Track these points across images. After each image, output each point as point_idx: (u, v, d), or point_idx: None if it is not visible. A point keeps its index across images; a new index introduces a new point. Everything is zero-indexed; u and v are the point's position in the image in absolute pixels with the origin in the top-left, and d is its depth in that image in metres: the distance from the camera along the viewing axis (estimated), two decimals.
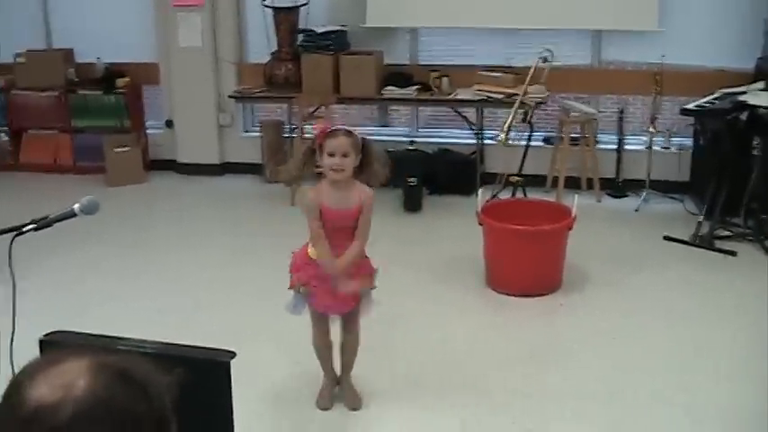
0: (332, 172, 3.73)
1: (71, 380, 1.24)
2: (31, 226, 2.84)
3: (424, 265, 5.96)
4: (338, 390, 4.19)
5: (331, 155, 3.69)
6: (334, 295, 3.88)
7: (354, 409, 4.12)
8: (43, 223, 2.84)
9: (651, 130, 7.26)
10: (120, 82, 8.47)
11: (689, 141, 7.46)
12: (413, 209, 7.25)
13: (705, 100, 6.53)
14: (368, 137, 3.91)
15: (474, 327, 5.04)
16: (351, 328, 4.08)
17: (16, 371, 1.32)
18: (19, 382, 1.27)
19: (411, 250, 6.23)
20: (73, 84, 8.60)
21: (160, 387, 1.32)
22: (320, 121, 3.91)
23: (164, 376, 1.35)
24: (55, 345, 2.47)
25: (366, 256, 3.99)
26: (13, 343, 2.91)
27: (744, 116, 6.31)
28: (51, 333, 2.64)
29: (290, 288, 3.95)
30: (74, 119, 8.63)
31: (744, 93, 6.43)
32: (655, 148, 7.39)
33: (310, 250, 3.90)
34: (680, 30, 7.31)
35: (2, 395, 1.28)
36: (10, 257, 2.84)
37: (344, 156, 3.69)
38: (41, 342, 2.56)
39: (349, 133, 3.74)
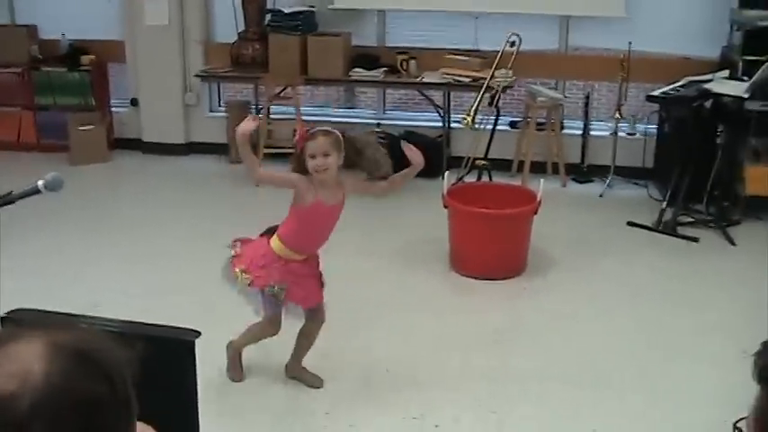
0: (317, 173, 3.79)
1: (26, 366, 1.15)
2: None
3: (390, 249, 5.97)
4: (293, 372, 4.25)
5: (312, 156, 3.76)
6: (306, 288, 3.98)
7: (318, 387, 4.17)
8: (6, 199, 2.80)
9: (617, 116, 7.30)
10: (85, 59, 8.36)
11: (654, 128, 7.51)
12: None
13: (670, 87, 6.57)
14: (348, 130, 3.97)
15: (439, 310, 5.06)
16: (319, 317, 4.12)
17: None
18: None
19: (376, 234, 6.23)
20: (36, 60, 8.47)
21: (121, 365, 1.25)
22: (299, 126, 3.94)
23: (123, 352, 1.27)
24: (17, 323, 2.45)
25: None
26: None
27: (708, 104, 6.38)
28: (13, 311, 2.62)
29: (260, 287, 3.94)
30: (37, 96, 8.52)
31: (709, 81, 6.48)
32: (620, 134, 7.44)
33: (274, 245, 3.93)
34: (647, 17, 7.36)
35: None
36: None
37: (326, 155, 3.76)
38: (2, 319, 2.54)
39: (327, 133, 3.80)
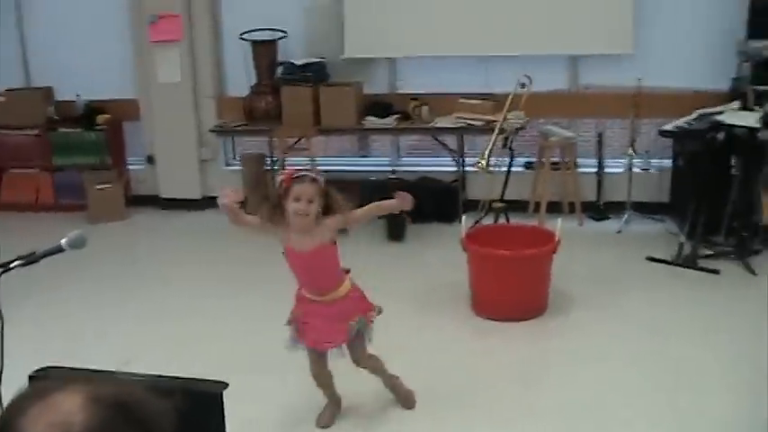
0: (297, 217, 3.79)
1: (68, 416, 1.17)
2: (17, 262, 2.83)
3: (410, 294, 5.97)
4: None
5: (297, 200, 3.77)
6: (321, 331, 3.99)
7: (409, 408, 4.30)
8: (30, 259, 2.83)
9: (630, 152, 7.32)
10: (101, 118, 8.47)
11: (668, 162, 7.52)
12: (396, 238, 7.26)
13: (683, 121, 6.59)
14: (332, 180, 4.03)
15: (461, 353, 5.04)
16: (362, 363, 4.16)
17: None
18: (12, 417, 1.19)
19: (396, 280, 6.22)
20: (53, 121, 8.60)
21: (160, 417, 1.27)
22: (286, 171, 3.96)
23: (162, 403, 1.29)
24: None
25: (365, 296, 4.11)
26: (2, 380, 2.90)
27: (721, 136, 6.37)
28: (42, 369, 2.64)
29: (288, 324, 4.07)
30: (55, 156, 8.63)
31: (720, 113, 6.50)
32: (634, 170, 7.44)
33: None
34: (655, 53, 7.40)
35: None
36: None
37: (310, 202, 3.78)
38: (31, 378, 2.55)
39: (314, 180, 3.82)
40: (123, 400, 1.24)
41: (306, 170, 3.96)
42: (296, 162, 7.87)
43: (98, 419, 1.18)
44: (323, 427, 4.18)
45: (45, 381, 1.27)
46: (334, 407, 4.25)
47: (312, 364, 4.10)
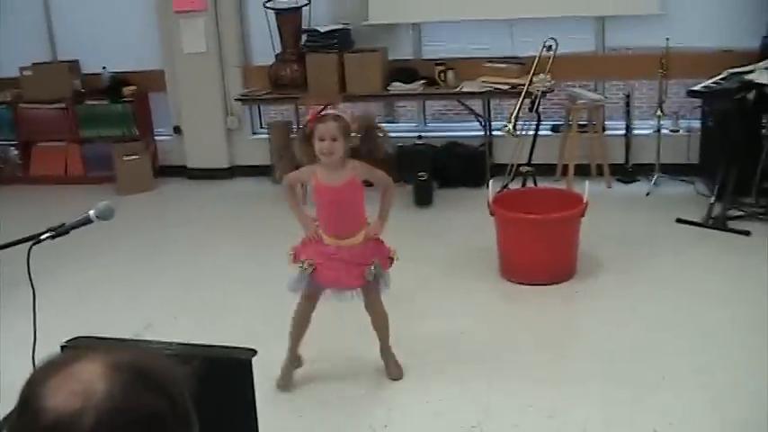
0: (322, 156, 3.88)
1: (88, 384, 1.18)
2: (47, 234, 2.85)
3: (438, 258, 5.97)
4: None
5: (321, 139, 3.85)
6: (340, 271, 4.04)
7: (396, 379, 4.28)
8: (60, 231, 2.85)
9: (659, 113, 7.25)
10: (127, 90, 8.50)
11: (697, 123, 7.45)
12: (424, 203, 7.25)
13: (712, 81, 6.52)
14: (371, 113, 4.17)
15: (490, 317, 5.05)
16: (372, 308, 4.21)
17: None
18: (32, 389, 1.21)
19: (424, 244, 6.22)
20: (80, 94, 8.64)
21: (179, 382, 1.28)
22: (312, 106, 4.00)
23: (181, 369, 1.31)
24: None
25: (382, 241, 4.16)
26: (35, 350, 2.93)
27: (752, 95, 6.29)
28: (73, 339, 2.66)
29: (294, 262, 4.11)
30: (82, 129, 8.67)
31: (751, 72, 6.42)
32: (663, 131, 7.39)
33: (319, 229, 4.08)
34: (683, 12, 7.30)
35: (17, 403, 1.22)
36: (29, 266, 2.85)
37: (333, 140, 3.85)
38: (63, 348, 2.58)
39: (337, 117, 3.89)
40: (142, 366, 1.26)
41: (329, 110, 3.97)
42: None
43: (118, 386, 1.19)
44: (283, 388, 4.23)
45: (64, 352, 1.28)
46: (292, 365, 4.29)
47: (302, 307, 4.16)
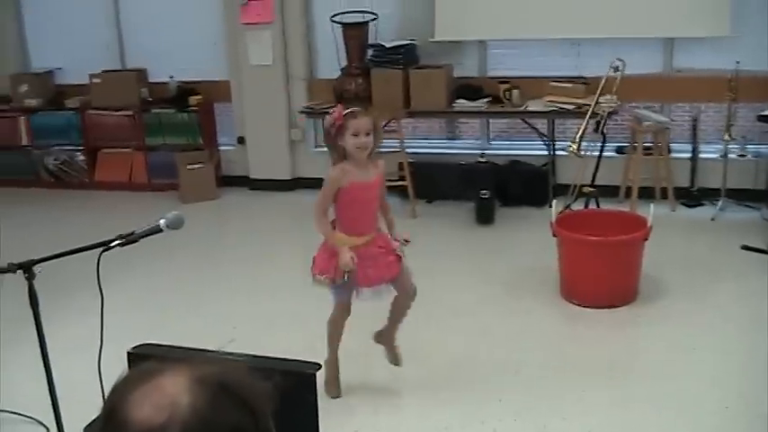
0: (357, 150, 3.91)
1: (174, 398, 1.19)
2: (117, 241, 2.89)
3: (499, 277, 5.94)
4: (385, 353, 4.38)
5: (355, 135, 3.88)
6: (378, 267, 4.07)
7: (396, 365, 4.32)
8: (130, 239, 2.89)
9: (726, 137, 7.15)
10: (193, 100, 8.60)
11: (766, 149, 7.34)
12: (485, 221, 7.22)
13: None
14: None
15: (551, 339, 5.01)
16: (406, 287, 4.20)
17: (104, 383, 1.26)
18: (118, 400, 1.22)
19: (485, 262, 6.20)
20: (146, 102, 8.76)
21: (262, 397, 1.28)
22: (336, 108, 4.03)
23: (263, 384, 1.31)
24: (143, 357, 2.51)
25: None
26: (101, 355, 2.97)
27: None
28: (139, 345, 2.69)
29: (333, 279, 4.06)
30: (148, 137, 8.79)
31: None
32: (730, 155, 7.28)
33: (337, 239, 4.07)
34: (754, 34, 7.19)
35: (102, 414, 1.23)
36: (98, 272, 2.89)
37: (367, 134, 3.90)
38: (130, 354, 2.61)
39: (367, 112, 3.99)
40: (226, 380, 1.26)
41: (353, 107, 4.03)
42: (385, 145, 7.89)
43: (203, 400, 1.20)
44: (335, 398, 4.26)
45: (148, 363, 1.29)
46: (336, 372, 4.31)
47: (340, 313, 4.21)
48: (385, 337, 4.37)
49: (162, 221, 2.94)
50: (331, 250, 4.06)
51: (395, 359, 4.36)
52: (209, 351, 2.55)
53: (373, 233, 4.11)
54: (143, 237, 2.91)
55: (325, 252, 4.10)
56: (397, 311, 4.28)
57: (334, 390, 4.29)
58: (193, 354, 2.55)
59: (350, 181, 3.98)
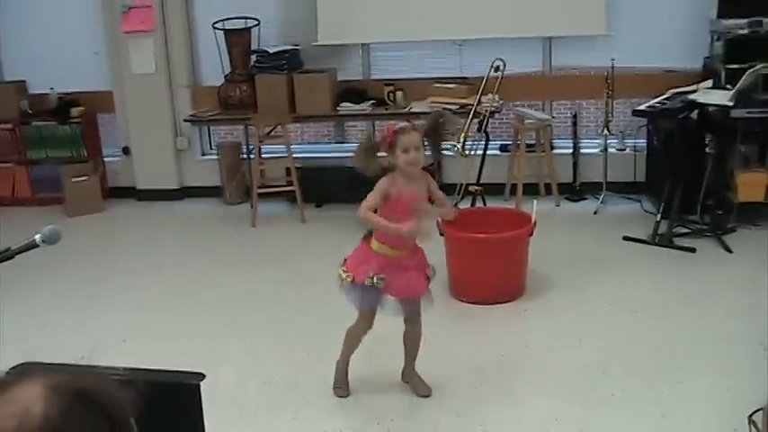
0: (409, 166, 3.96)
1: (26, 406, 1.18)
2: None
3: None
4: (407, 381, 4.40)
5: (406, 151, 3.94)
6: (409, 279, 4.10)
7: (426, 396, 4.29)
8: (4, 256, 2.82)
9: (605, 132, 7.35)
10: (75, 111, 8.43)
11: (643, 142, 7.57)
12: None
13: (656, 101, 6.62)
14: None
15: (440, 337, 5.04)
16: (414, 320, 4.26)
17: None
18: None
19: None
20: (27, 115, 8.55)
21: (122, 405, 1.27)
22: (388, 125, 4.06)
23: (125, 393, 1.30)
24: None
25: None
26: None
27: (695, 115, 6.42)
28: (19, 365, 2.63)
29: (360, 281, 4.04)
30: (30, 150, 8.59)
31: (694, 92, 6.55)
32: (610, 150, 7.50)
33: (373, 244, 4.08)
34: (628, 33, 7.44)
35: None
36: None
37: (417, 149, 3.96)
38: (7, 374, 2.54)
39: (416, 128, 4.09)
40: (82, 388, 1.25)
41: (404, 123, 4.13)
42: (271, 150, 7.87)
43: (57, 407, 1.19)
44: (343, 397, 4.33)
45: (5, 375, 1.28)
46: (345, 374, 4.37)
47: (362, 325, 4.22)
48: (408, 372, 4.40)
49: (37, 236, 2.87)
50: (365, 256, 4.08)
51: (425, 390, 4.33)
52: (91, 367, 2.51)
53: (409, 250, 4.11)
54: (18, 253, 2.83)
55: (361, 256, 4.11)
56: (410, 344, 4.34)
57: (343, 391, 4.34)
58: (74, 370, 2.51)
59: (398, 191, 4.00)
